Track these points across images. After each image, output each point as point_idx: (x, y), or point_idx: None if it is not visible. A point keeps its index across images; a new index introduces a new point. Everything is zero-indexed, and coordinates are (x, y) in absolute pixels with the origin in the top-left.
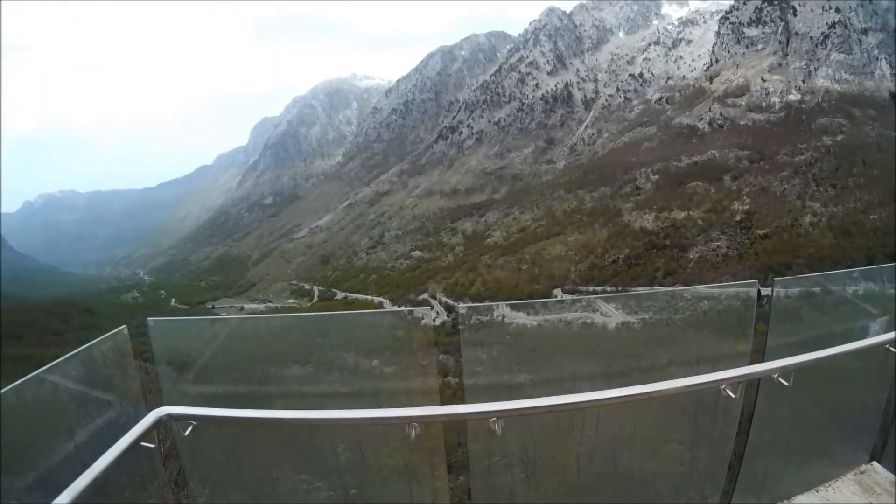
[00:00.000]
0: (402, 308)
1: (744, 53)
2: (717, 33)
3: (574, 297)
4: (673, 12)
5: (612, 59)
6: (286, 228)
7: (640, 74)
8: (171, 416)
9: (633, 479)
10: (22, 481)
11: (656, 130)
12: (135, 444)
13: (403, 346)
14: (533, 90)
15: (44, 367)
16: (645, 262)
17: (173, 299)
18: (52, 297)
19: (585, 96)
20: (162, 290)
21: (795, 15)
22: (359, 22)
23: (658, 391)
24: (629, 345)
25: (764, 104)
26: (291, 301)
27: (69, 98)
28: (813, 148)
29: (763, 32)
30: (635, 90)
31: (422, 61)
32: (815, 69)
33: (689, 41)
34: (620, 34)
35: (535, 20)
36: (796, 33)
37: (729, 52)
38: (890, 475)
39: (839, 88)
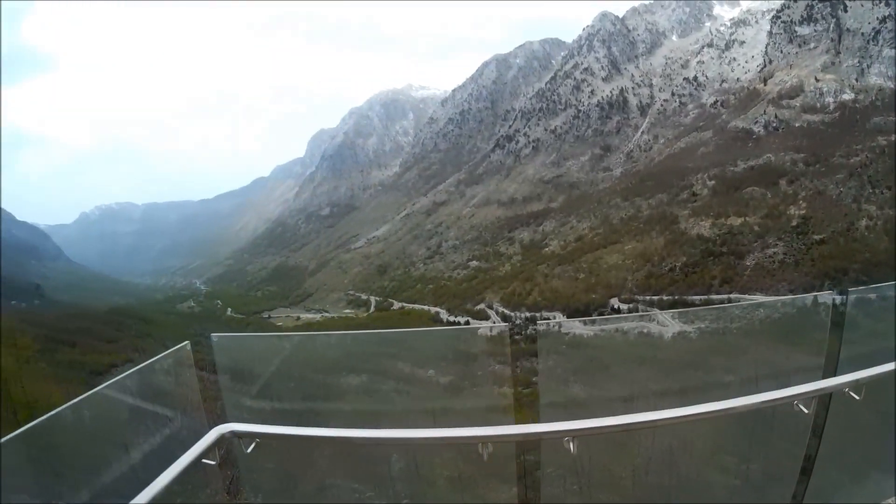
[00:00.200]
0: (475, 324)
1: (797, 53)
2: (770, 33)
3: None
4: (724, 13)
5: (666, 62)
6: (343, 239)
7: (695, 78)
8: (234, 433)
9: (693, 491)
10: (85, 495)
11: (712, 135)
12: (197, 461)
13: (473, 360)
14: (588, 97)
15: (107, 383)
16: (702, 270)
17: (229, 309)
18: (107, 305)
19: (641, 102)
20: (218, 299)
21: (846, 10)
22: (412, 31)
23: (734, 407)
24: (692, 356)
25: (818, 105)
26: (348, 311)
27: (128, 111)
28: (868, 149)
29: (815, 30)
30: (690, 94)
31: (477, 70)
32: (868, 66)
33: (742, 42)
34: (673, 37)
35: (588, 25)
36: (847, 30)
37: (782, 52)
38: None
39: (892, 85)
